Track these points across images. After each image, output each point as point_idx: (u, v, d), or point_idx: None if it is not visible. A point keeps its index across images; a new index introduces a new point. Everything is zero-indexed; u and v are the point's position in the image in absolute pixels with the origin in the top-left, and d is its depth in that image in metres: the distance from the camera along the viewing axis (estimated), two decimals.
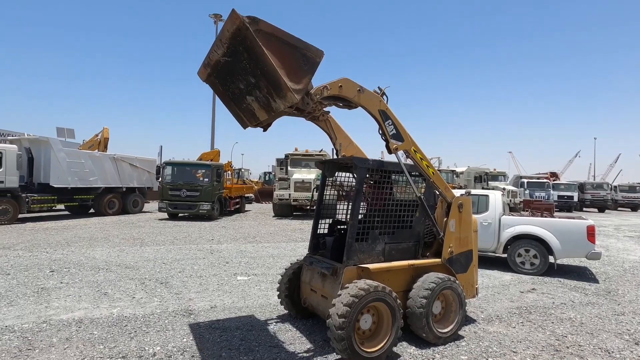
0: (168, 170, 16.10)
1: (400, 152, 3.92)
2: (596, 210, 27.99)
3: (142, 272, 6.64)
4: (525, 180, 27.00)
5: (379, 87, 3.88)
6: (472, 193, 6.16)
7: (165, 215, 16.57)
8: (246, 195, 22.37)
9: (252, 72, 3.03)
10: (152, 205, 21.66)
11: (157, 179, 19.54)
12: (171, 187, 15.50)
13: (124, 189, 17.46)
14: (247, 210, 21.06)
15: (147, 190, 19.43)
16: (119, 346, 3.66)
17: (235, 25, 2.76)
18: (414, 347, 3.77)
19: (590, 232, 6.82)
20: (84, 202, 15.88)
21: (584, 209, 27.78)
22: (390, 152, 3.86)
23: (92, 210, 16.87)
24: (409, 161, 4.14)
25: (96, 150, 17.58)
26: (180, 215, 16.38)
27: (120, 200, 17.14)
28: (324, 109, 3.97)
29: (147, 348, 3.63)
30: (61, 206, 15.81)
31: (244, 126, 3.68)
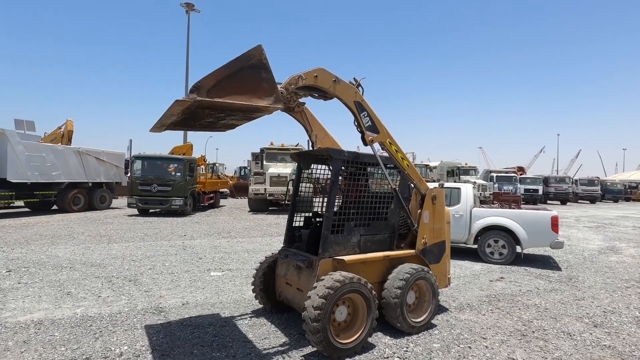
0: (138, 164, 15.48)
1: (376, 145, 3.92)
2: (559, 202, 29.53)
3: (109, 270, 6.34)
4: (495, 175, 28.08)
5: (354, 78, 3.85)
6: (445, 186, 6.30)
7: (135, 211, 15.95)
8: (221, 190, 21.92)
9: (220, 111, 2.92)
10: (120, 201, 20.79)
11: (126, 173, 18.75)
12: (141, 181, 14.91)
13: (90, 184, 16.64)
14: (221, 206, 20.66)
15: (116, 185, 18.63)
16: (83, 347, 3.46)
17: (185, 106, 2.57)
18: (388, 337, 3.80)
19: (554, 223, 7.16)
20: (46, 198, 14.96)
21: (548, 201, 29.23)
22: (365, 144, 3.85)
23: (55, 207, 15.96)
24: (385, 153, 4.15)
25: (59, 144, 16.61)
26: (151, 211, 15.82)
27: (86, 196, 16.33)
28: (299, 99, 3.91)
29: (113, 348, 3.45)
30: (20, 203, 14.85)
31: (224, 132, 3.69)
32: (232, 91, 2.72)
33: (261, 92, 2.85)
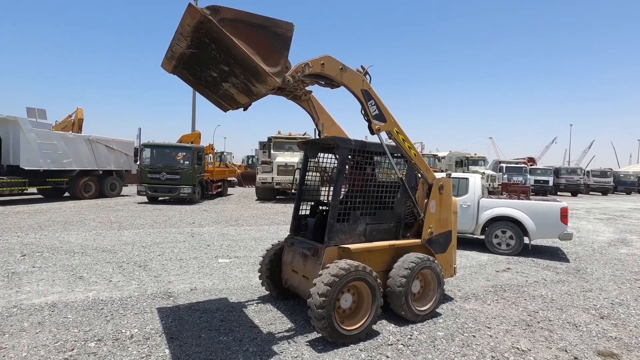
0: (147, 152, 15.63)
1: (383, 134, 3.89)
2: (569, 194, 29.08)
3: (119, 255, 6.48)
4: (504, 165, 27.72)
5: (361, 66, 3.80)
6: (452, 176, 6.24)
7: (144, 198, 16.20)
8: (229, 178, 22.08)
9: (224, 61, 2.82)
10: (130, 189, 21.11)
11: (136, 161, 18.98)
12: (150, 170, 15.09)
13: (101, 172, 16.91)
14: (229, 194, 20.84)
15: (125, 173, 18.89)
16: (95, 329, 3.57)
17: (196, 19, 2.50)
18: (393, 325, 3.84)
19: (564, 214, 7.07)
20: (58, 185, 15.27)
21: (559, 193, 28.79)
22: (372, 132, 3.82)
23: (67, 194, 16.29)
24: (392, 142, 4.12)
25: (70, 132, 16.84)
26: (160, 198, 16.04)
27: (96, 184, 16.61)
28: (306, 87, 3.88)
29: (124, 331, 3.56)
30: (33, 189, 15.18)
31: (224, 110, 3.55)
32: (243, 38, 2.65)
33: (269, 59, 2.78)
